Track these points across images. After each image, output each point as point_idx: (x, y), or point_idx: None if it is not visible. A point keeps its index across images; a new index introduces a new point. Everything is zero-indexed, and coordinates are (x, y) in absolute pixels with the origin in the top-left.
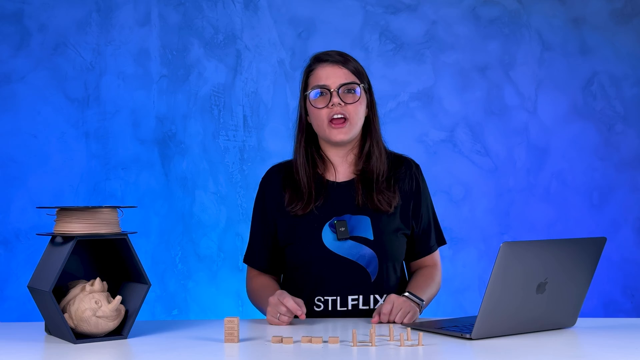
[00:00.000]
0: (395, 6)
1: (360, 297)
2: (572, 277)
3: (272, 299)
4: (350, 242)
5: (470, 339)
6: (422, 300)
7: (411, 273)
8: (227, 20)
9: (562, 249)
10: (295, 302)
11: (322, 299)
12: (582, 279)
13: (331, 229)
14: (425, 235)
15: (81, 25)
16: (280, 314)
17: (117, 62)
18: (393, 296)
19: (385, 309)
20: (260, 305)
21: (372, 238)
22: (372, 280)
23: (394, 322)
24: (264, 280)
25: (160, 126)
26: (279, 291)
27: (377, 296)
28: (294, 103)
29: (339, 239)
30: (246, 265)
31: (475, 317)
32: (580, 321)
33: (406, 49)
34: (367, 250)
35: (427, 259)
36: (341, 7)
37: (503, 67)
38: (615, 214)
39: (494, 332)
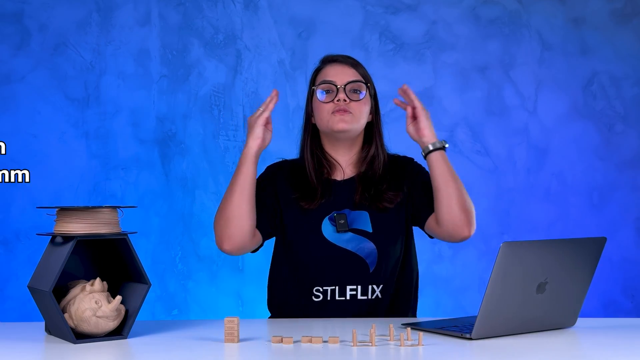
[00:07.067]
0: (395, 6)
1: (359, 287)
2: (572, 277)
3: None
4: (349, 234)
5: (471, 339)
6: (445, 145)
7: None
8: (227, 20)
9: (562, 249)
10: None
11: (321, 289)
12: (583, 279)
13: (331, 222)
14: (430, 192)
15: (81, 25)
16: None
17: (117, 62)
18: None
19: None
20: (235, 177)
21: (371, 230)
22: (371, 271)
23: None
24: None
25: (160, 126)
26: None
27: (374, 286)
28: (294, 103)
29: (338, 231)
30: (245, 264)
31: (476, 317)
32: (580, 321)
33: (406, 49)
34: (367, 242)
35: None
36: (341, 7)
37: (503, 67)
38: (616, 214)
39: (494, 332)
